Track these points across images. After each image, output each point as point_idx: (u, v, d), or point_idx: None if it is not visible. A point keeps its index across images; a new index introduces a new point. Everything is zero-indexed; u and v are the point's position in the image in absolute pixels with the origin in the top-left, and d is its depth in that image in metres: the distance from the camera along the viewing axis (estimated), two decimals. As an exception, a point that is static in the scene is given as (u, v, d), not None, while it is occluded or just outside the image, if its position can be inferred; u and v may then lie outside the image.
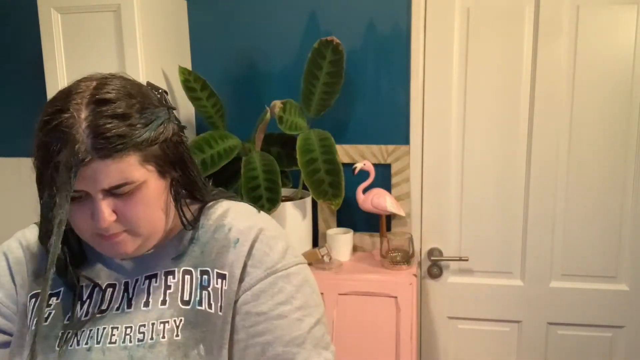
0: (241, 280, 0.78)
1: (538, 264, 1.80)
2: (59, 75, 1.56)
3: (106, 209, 0.68)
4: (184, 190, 0.81)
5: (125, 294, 0.79)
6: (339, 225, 1.87)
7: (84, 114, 0.65)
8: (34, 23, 1.57)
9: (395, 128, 1.80)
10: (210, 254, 0.79)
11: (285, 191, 1.76)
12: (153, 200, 0.73)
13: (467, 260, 1.82)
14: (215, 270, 0.78)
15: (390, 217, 1.83)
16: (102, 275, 0.81)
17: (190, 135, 1.89)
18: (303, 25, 1.81)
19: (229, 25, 1.86)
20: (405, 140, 1.80)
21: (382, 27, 1.77)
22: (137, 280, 0.79)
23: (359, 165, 1.69)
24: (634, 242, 1.73)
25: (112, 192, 0.68)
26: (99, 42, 1.54)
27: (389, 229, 1.83)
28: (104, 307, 0.78)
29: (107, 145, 0.65)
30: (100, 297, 0.79)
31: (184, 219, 0.80)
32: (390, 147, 1.79)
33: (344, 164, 1.70)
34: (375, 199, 1.69)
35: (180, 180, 0.79)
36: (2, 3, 1.96)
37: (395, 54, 1.77)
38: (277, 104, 1.56)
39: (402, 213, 1.74)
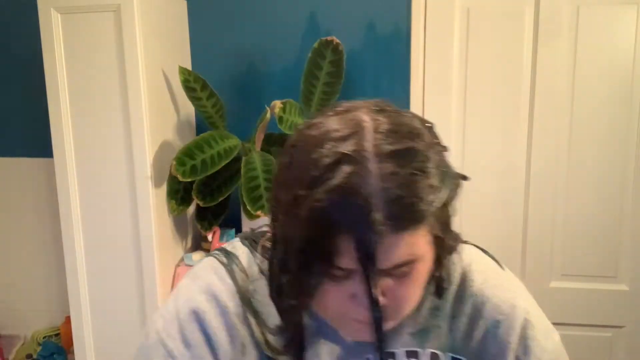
0: None
1: (538, 264, 1.79)
2: (59, 75, 1.56)
3: (379, 293, 0.52)
4: None
5: None
6: (339, 225, 1.86)
7: (376, 169, 0.48)
8: (34, 23, 1.56)
9: (395, 128, 1.80)
10: (461, 334, 0.64)
11: (285, 191, 1.75)
12: (424, 276, 0.57)
13: (467, 260, 1.81)
14: None
15: (390, 217, 1.82)
16: (324, 351, 0.64)
17: (190, 135, 1.89)
18: (303, 25, 1.81)
19: (229, 25, 1.86)
20: (405, 140, 1.80)
21: (382, 27, 1.77)
22: None
23: (359, 165, 1.69)
24: (634, 242, 1.73)
25: (389, 271, 0.53)
26: (99, 42, 1.54)
27: (389, 229, 1.83)
28: None
29: (406, 215, 0.49)
30: None
31: (440, 289, 0.63)
32: (390, 147, 1.79)
33: (344, 164, 1.69)
34: (375, 199, 1.69)
35: (446, 242, 0.59)
36: (2, 3, 1.96)
37: (395, 54, 1.77)
38: (277, 104, 1.56)
39: (402, 213, 1.73)
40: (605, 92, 1.67)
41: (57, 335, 2.05)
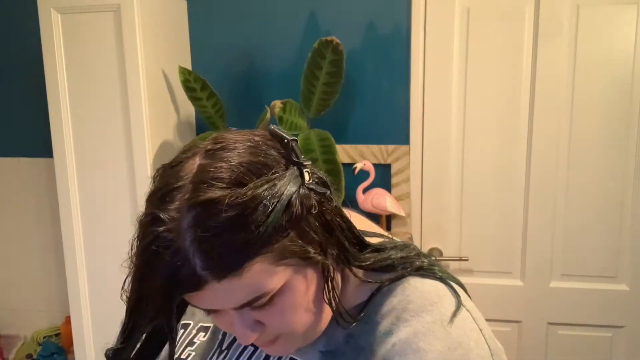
0: None
1: (538, 264, 1.79)
2: (59, 75, 1.56)
3: (246, 325, 0.54)
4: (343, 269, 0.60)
5: None
6: (339, 225, 1.86)
7: (185, 223, 0.48)
8: (34, 23, 1.57)
9: (395, 128, 1.80)
10: None
11: (285, 191, 1.75)
12: (300, 299, 0.55)
13: (467, 260, 1.81)
14: None
15: (390, 217, 1.83)
16: None
17: (190, 135, 1.89)
18: (303, 25, 1.81)
19: (229, 25, 1.86)
20: (405, 140, 1.80)
21: (382, 27, 1.77)
22: (279, 358, 0.65)
23: (359, 165, 1.69)
24: (634, 242, 1.73)
25: (244, 307, 0.52)
26: (99, 42, 1.54)
27: (389, 229, 1.83)
28: None
29: (221, 265, 0.48)
30: (239, 351, 0.66)
31: (338, 318, 0.58)
32: (390, 147, 1.79)
33: (344, 164, 1.70)
34: (375, 199, 1.69)
35: (333, 259, 0.56)
36: (2, 3, 1.96)
37: (395, 54, 1.77)
38: (277, 103, 1.56)
39: (402, 213, 1.74)
40: (606, 92, 1.67)
41: (57, 335, 2.05)
